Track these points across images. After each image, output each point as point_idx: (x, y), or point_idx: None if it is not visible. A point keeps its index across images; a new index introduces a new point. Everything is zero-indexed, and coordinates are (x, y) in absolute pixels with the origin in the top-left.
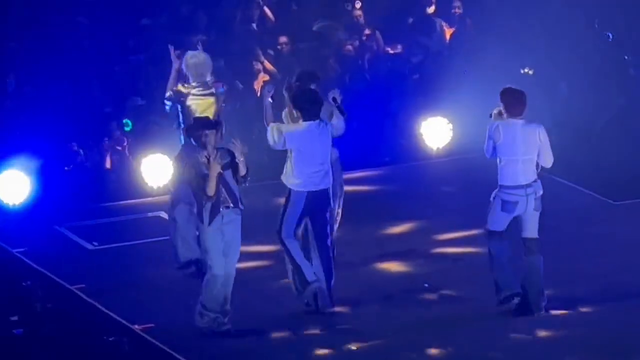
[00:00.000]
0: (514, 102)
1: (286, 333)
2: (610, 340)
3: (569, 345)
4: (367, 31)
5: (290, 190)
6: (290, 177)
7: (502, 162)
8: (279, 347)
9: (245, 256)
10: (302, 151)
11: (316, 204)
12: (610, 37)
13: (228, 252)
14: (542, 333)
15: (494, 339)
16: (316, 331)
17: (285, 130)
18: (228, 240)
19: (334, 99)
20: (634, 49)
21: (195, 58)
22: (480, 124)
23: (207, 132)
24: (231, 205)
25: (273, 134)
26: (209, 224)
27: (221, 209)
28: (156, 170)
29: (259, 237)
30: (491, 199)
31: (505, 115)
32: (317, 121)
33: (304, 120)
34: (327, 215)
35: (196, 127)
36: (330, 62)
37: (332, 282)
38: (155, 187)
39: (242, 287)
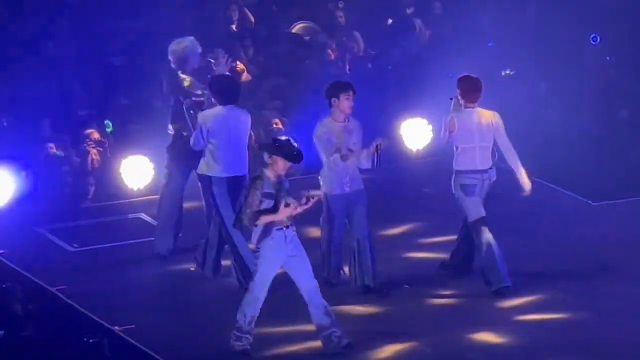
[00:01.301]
0: (469, 89)
1: (266, 331)
2: (591, 343)
3: (548, 348)
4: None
5: (211, 178)
6: (206, 165)
7: (458, 150)
8: (257, 347)
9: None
10: (216, 135)
11: (235, 189)
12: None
13: (302, 267)
14: (522, 336)
15: (474, 342)
16: (294, 330)
17: (200, 121)
18: (297, 257)
19: (377, 147)
20: (615, 50)
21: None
22: None
23: (286, 163)
24: (290, 224)
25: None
26: (258, 242)
27: (283, 229)
28: (136, 171)
29: None
30: (453, 191)
31: (461, 102)
32: (230, 106)
33: (219, 105)
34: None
35: (282, 152)
36: (309, 63)
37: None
38: (135, 188)
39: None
